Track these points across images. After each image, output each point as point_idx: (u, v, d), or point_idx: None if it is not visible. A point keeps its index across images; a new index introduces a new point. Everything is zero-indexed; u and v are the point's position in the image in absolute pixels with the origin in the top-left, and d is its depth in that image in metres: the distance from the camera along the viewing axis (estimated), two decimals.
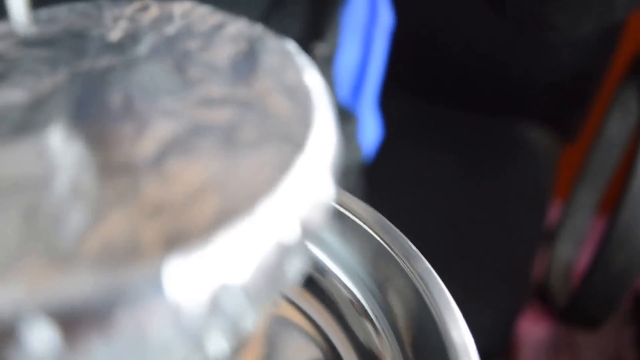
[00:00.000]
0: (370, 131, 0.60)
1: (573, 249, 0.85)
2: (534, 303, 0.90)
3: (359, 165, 0.59)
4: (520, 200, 0.78)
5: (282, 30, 0.48)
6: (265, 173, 0.12)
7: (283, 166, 0.13)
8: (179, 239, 0.11)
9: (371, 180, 0.59)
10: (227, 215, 0.12)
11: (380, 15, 0.55)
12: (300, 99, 0.15)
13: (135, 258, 0.11)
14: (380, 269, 0.23)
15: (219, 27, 0.17)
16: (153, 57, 0.16)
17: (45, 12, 0.18)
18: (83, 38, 0.17)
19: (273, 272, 0.12)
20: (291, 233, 0.13)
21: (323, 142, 0.14)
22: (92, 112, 0.14)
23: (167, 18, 0.17)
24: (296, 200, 0.13)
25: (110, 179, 0.12)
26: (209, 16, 0.18)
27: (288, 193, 0.12)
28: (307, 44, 0.50)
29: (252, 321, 0.12)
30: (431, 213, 0.69)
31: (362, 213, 0.23)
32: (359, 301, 0.23)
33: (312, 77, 0.16)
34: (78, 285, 0.10)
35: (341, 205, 0.22)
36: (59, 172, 0.13)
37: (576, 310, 0.76)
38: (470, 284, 0.71)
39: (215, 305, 0.11)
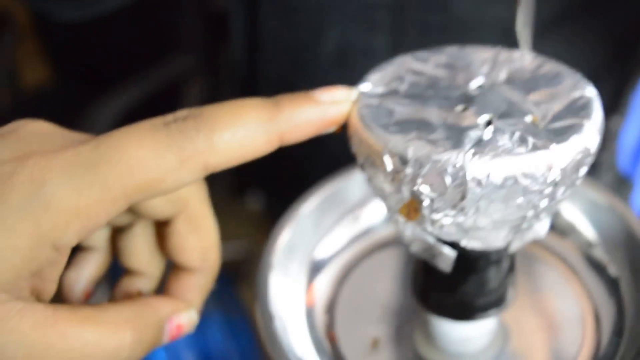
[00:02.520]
0: None
1: None
2: None
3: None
4: None
5: None
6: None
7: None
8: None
9: None
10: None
11: None
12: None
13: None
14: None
15: (538, 66, 0.29)
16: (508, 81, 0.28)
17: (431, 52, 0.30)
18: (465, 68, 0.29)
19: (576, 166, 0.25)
20: (584, 152, 0.25)
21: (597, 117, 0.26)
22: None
23: (509, 59, 0.29)
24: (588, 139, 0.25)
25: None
26: (532, 59, 0.30)
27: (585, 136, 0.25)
28: (605, 117, 0.57)
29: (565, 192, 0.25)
30: None
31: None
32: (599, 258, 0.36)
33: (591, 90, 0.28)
34: None
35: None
36: None
37: None
38: None
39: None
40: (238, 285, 0.63)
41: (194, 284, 0.29)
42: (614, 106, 0.57)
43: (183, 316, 0.27)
